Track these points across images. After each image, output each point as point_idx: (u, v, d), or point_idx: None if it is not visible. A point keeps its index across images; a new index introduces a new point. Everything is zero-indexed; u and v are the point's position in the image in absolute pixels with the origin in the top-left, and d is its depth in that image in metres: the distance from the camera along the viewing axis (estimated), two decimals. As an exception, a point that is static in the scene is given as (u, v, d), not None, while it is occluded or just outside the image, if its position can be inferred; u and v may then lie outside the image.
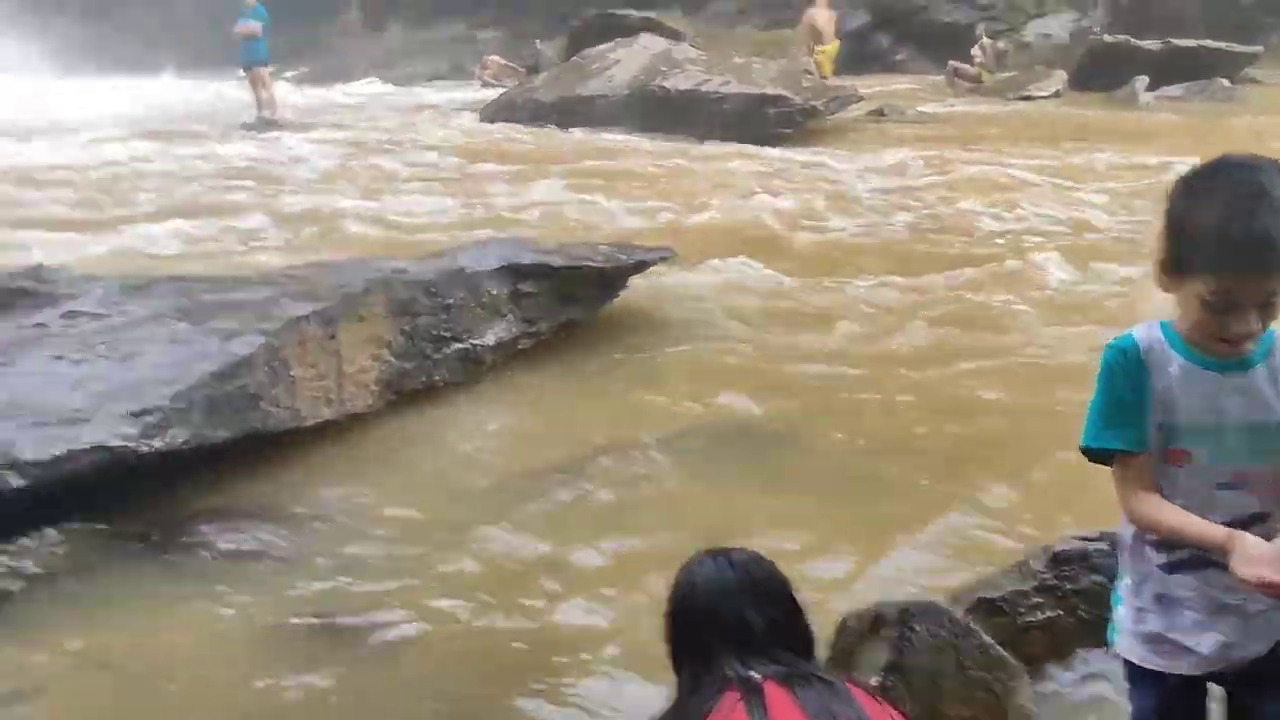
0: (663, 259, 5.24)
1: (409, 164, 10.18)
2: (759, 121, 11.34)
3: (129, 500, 3.39)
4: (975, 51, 16.06)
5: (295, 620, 3.00)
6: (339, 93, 17.91)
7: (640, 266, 5.12)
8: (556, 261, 4.81)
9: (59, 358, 3.50)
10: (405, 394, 4.21)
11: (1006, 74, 15.57)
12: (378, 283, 4.12)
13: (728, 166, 9.59)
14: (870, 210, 7.72)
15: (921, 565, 3.01)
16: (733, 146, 10.70)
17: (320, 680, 2.75)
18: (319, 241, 7.00)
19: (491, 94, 16.72)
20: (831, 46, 15.27)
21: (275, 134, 12.44)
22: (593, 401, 4.45)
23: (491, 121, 13.28)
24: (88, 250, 6.70)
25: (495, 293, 4.57)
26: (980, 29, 16.93)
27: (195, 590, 3.08)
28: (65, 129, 12.82)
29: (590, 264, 4.91)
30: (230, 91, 17.29)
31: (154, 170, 9.98)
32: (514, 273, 4.65)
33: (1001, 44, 16.92)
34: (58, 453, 3.07)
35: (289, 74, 16.06)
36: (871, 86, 14.37)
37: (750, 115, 11.43)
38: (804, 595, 1.89)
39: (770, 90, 11.65)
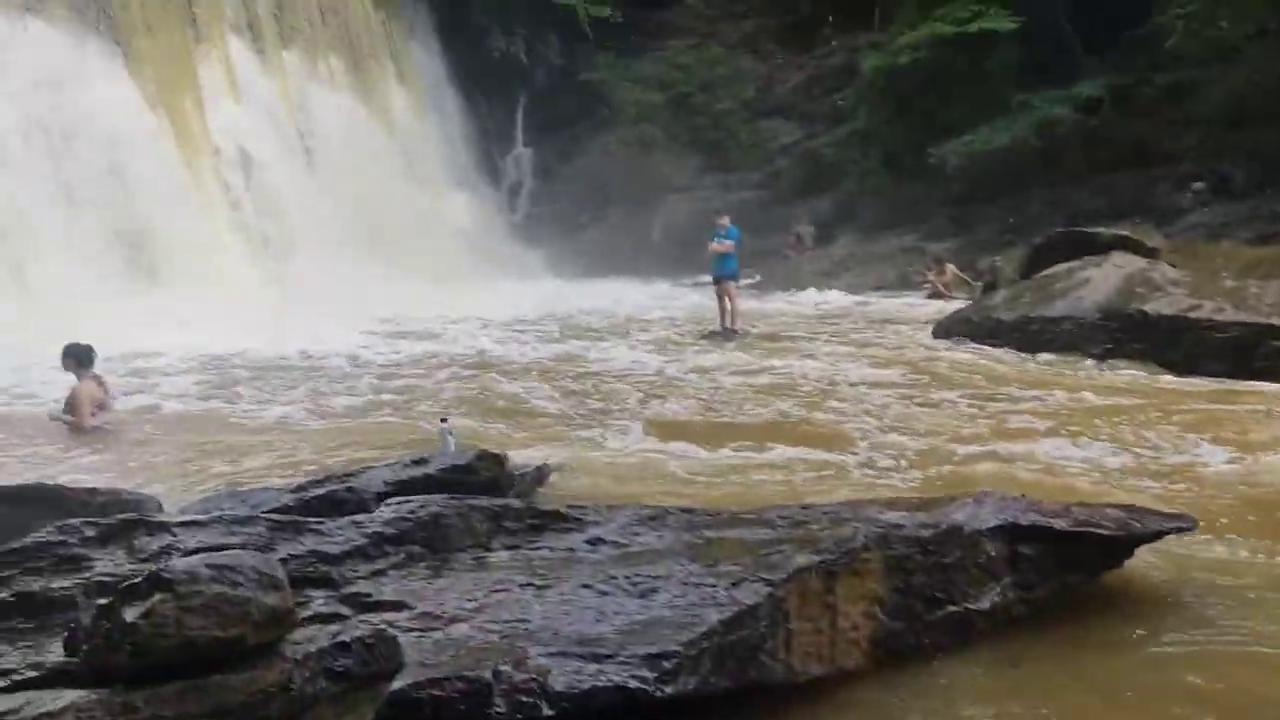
0: (1181, 530, 4.70)
1: (865, 380, 10.27)
2: (1262, 355, 10.16)
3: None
4: None
5: None
6: (787, 301, 18.80)
7: (1155, 536, 4.63)
8: (1060, 525, 4.47)
9: (586, 586, 3.75)
10: (894, 655, 4.05)
11: None
12: (877, 537, 4.05)
13: (1244, 408, 8.59)
14: None
15: None
16: (1236, 383, 9.62)
17: None
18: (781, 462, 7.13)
19: (939, 305, 16.70)
20: None
21: (734, 344, 13.26)
22: (1091, 684, 3.98)
23: (945, 337, 13.15)
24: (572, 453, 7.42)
25: (992, 554, 4.32)
26: None
27: None
28: (560, 329, 14.57)
29: (1098, 530, 4.51)
30: (694, 298, 18.87)
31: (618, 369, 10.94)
32: (1013, 533, 4.39)
33: None
34: (585, 687, 3.25)
35: (745, 282, 17.15)
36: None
37: (1251, 347, 10.29)
38: None
39: (1277, 320, 10.46)
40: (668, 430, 8.14)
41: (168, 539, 3.87)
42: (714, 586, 3.71)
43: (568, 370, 11.57)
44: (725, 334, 14.07)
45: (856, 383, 10.08)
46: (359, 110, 24.35)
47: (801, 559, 3.87)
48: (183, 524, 3.90)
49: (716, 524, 4.38)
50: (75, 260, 16.69)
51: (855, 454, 7.29)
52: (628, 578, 3.81)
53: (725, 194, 24.61)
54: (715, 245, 14.53)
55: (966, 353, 11.89)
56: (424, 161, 25.65)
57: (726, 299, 14.42)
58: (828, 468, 6.93)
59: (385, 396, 10.17)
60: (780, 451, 7.25)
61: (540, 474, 6.57)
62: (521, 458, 6.83)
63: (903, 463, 7.05)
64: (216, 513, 4.04)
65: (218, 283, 17.89)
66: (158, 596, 2.47)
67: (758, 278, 21.20)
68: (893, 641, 4.03)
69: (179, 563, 2.57)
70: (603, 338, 14.36)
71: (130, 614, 2.47)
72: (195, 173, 19.65)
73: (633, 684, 3.29)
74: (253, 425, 8.91)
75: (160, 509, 4.61)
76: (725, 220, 14.79)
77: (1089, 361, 10.98)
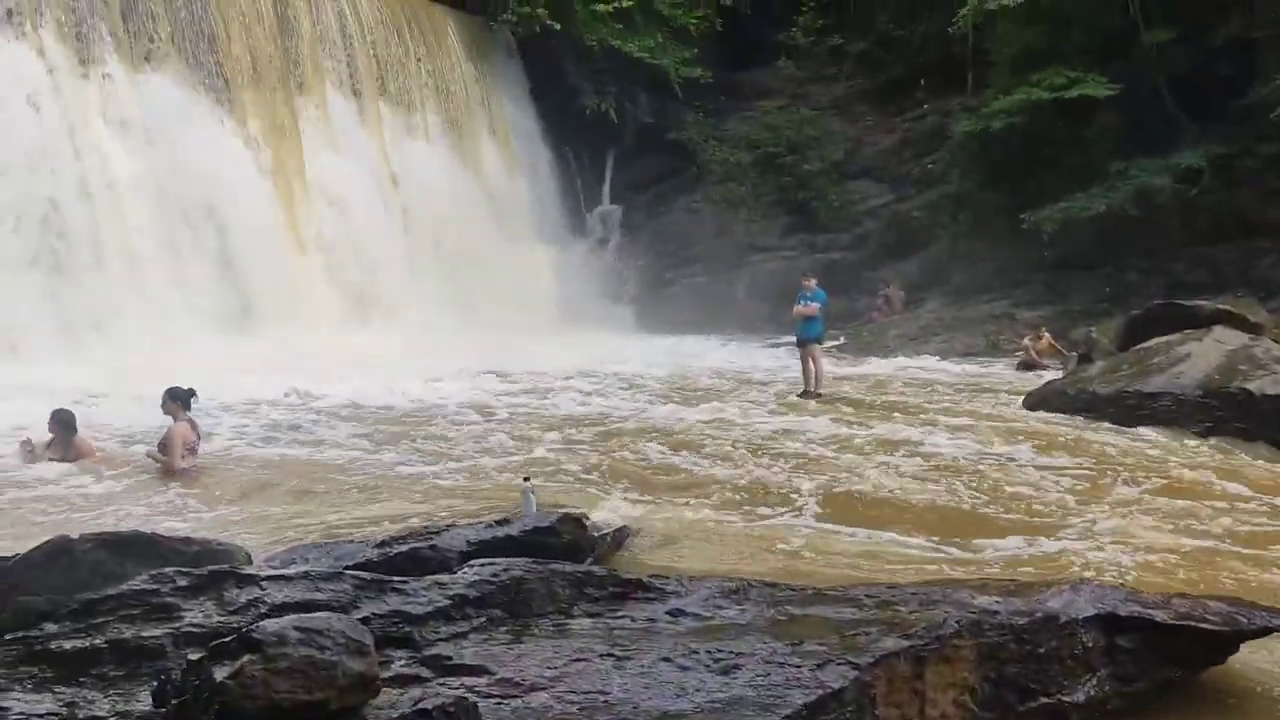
0: (1291, 627, 4.45)
1: (960, 451, 10.04)
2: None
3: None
4: None
5: None
6: (872, 365, 18.54)
7: (1263, 632, 4.40)
8: (1161, 617, 4.28)
9: (666, 659, 3.69)
10: (984, 747, 3.90)
11: None
12: (969, 624, 3.92)
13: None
14: None
15: None
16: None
17: None
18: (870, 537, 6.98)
19: (1029, 376, 16.30)
20: None
21: (817, 405, 13.13)
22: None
23: (1035, 409, 12.80)
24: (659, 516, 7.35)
25: (1089, 645, 4.14)
26: None
27: None
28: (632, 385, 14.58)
29: (1201, 624, 4.30)
30: (778, 359, 18.78)
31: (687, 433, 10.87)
32: (1111, 624, 4.21)
33: None
34: (666, 768, 3.18)
35: (829, 344, 16.98)
36: None
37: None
38: None
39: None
40: (768, 498, 8.05)
41: (255, 592, 3.92)
42: (798, 667, 3.62)
43: (646, 427, 11.56)
44: (809, 396, 13.93)
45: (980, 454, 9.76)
46: (452, 164, 24.93)
47: (890, 642, 3.77)
48: (270, 578, 3.96)
49: (800, 600, 4.29)
50: (177, 303, 17.30)
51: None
52: (709, 652, 3.74)
53: (811, 255, 24.49)
54: (801, 308, 14.45)
55: (1065, 425, 11.55)
56: (514, 216, 26.11)
57: (811, 361, 14.29)
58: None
59: (479, 449, 10.26)
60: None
61: (619, 537, 6.54)
62: (600, 517, 6.81)
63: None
64: (303, 568, 4.08)
65: (313, 329, 18.36)
66: (247, 658, 2.50)
67: (842, 340, 20.98)
68: (983, 733, 3.88)
69: (269, 624, 2.60)
70: (697, 395, 14.33)
71: (220, 673, 2.50)
72: (294, 221, 20.29)
73: (717, 766, 3.22)
74: (344, 473, 9.05)
75: (249, 560, 4.69)
76: (812, 282, 14.72)
77: (1191, 441, 10.57)
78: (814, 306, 14.36)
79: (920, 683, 3.75)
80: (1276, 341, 12.74)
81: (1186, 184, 20.36)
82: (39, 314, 15.51)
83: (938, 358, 19.07)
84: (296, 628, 2.56)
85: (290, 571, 3.92)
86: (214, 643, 2.64)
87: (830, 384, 14.75)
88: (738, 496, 8.13)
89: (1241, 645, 4.48)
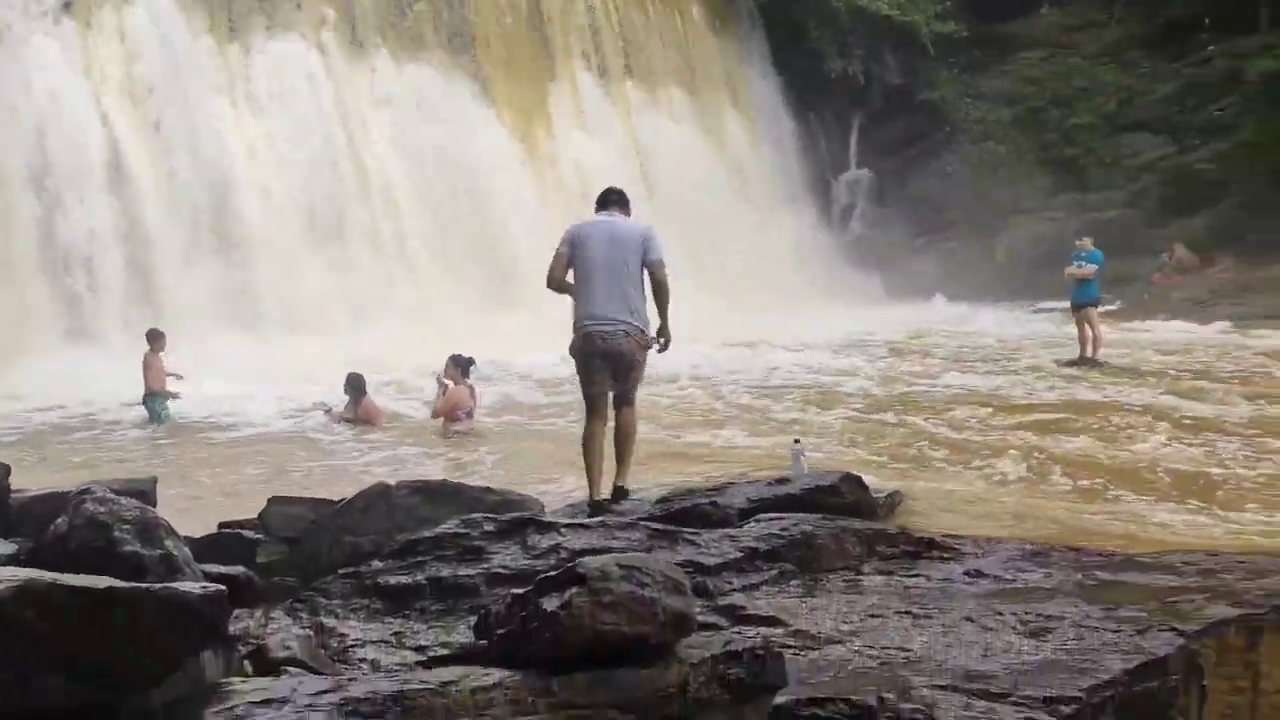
0: None
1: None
2: None
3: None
4: None
5: None
6: (1157, 331, 17.16)
7: None
8: None
9: (969, 619, 3.57)
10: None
11: None
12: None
13: None
14: None
15: None
16: None
17: None
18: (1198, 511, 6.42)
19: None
20: None
21: (1095, 375, 12.31)
22: None
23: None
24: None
25: None
26: None
27: None
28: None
29: None
30: (1044, 324, 17.76)
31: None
32: None
33: None
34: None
35: (1105, 309, 15.89)
36: None
37: None
38: None
39: None
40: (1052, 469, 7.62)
41: (556, 539, 4.10)
42: (1115, 632, 3.41)
43: (914, 393, 11.23)
44: (1087, 363, 13.08)
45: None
46: (696, 138, 25.11)
47: (1219, 610, 3.47)
48: (569, 525, 4.13)
49: (1109, 566, 4.04)
50: (442, 279, 18.41)
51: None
52: (1014, 614, 3.58)
53: (1081, 214, 22.90)
54: (1075, 269, 13.57)
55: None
56: (757, 187, 26.00)
57: (1087, 325, 13.40)
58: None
59: (743, 415, 10.32)
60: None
61: (892, 501, 6.38)
62: (871, 482, 6.65)
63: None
64: (599, 518, 4.23)
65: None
66: (574, 590, 2.60)
67: (1119, 304, 19.55)
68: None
69: (592, 560, 2.69)
70: (963, 364, 13.81)
71: (549, 604, 2.61)
72: (547, 198, 21.09)
73: (1028, 728, 3.07)
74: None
75: (544, 510, 4.91)
76: (1087, 242, 13.79)
77: None
78: (1090, 268, 13.45)
79: (1254, 654, 3.44)
80: None
81: None
82: (326, 293, 16.91)
83: (1229, 323, 17.39)
84: (619, 564, 2.64)
85: (588, 521, 4.07)
86: (540, 577, 2.76)
87: (1112, 352, 13.80)
88: (1016, 470, 7.71)
89: None
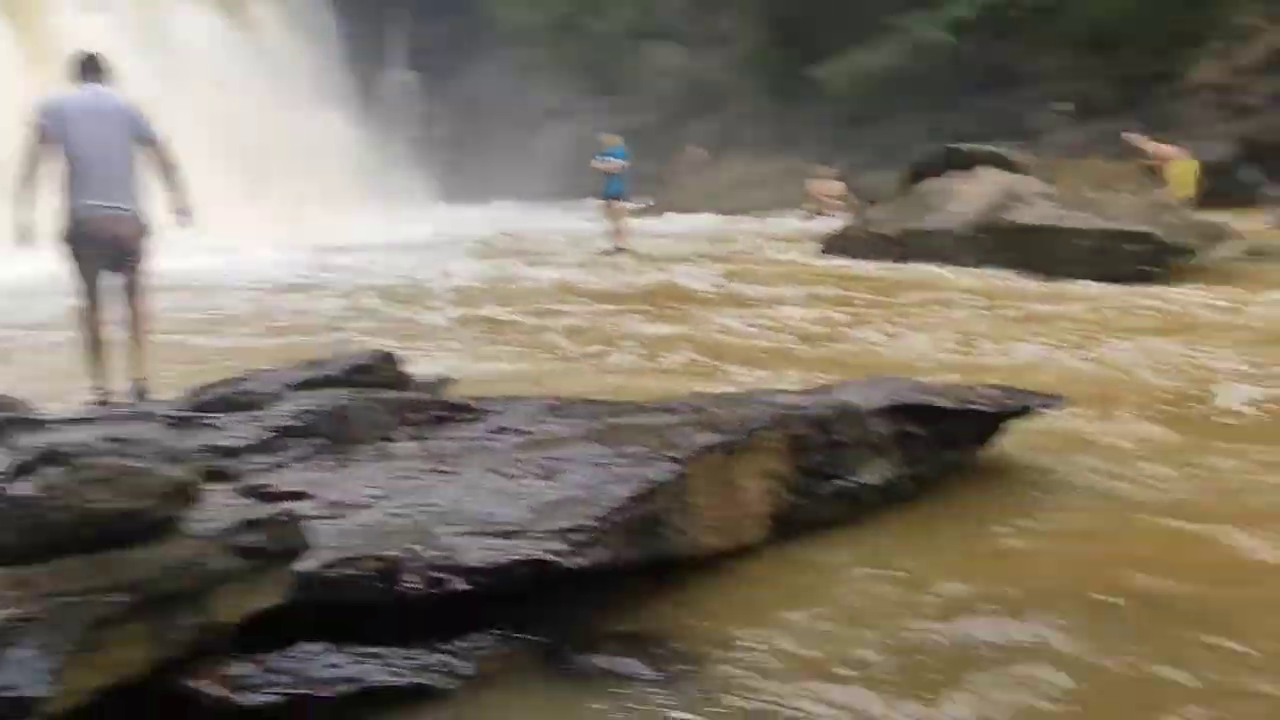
0: (1049, 406, 4.97)
1: (762, 293, 10.45)
2: (1121, 259, 10.73)
3: (543, 615, 3.56)
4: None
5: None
6: (672, 223, 18.85)
7: (1024, 412, 4.89)
8: (943, 403, 4.68)
9: (493, 470, 3.77)
10: (790, 528, 4.20)
11: None
12: (776, 418, 4.18)
13: (1098, 307, 9.09)
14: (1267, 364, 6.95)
15: None
16: (1097, 286, 10.16)
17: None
18: (695, 366, 7.23)
19: (822, 225, 17.02)
20: (1187, 166, 14.21)
21: (624, 261, 13.32)
22: (972, 549, 4.22)
23: (832, 253, 13.44)
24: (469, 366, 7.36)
25: (881, 432, 4.50)
26: None
27: (615, 713, 3.15)
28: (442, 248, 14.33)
29: (977, 407, 4.74)
30: (576, 223, 18.81)
31: (527, 289, 10.88)
32: (900, 412, 4.57)
33: None
34: (498, 561, 3.29)
35: (636, 206, 17.12)
36: (1240, 223, 13.23)
37: (1111, 252, 10.86)
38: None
39: (1132, 227, 11.02)
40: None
41: (50, 437, 3.71)
42: (621, 466, 3.78)
43: (460, 286, 11.42)
44: (620, 253, 14.08)
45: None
46: (221, 24, 23.15)
47: (704, 438, 3.97)
48: (65, 420, 3.75)
49: (622, 412, 4.44)
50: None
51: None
52: (534, 461, 3.85)
53: (610, 118, 24.34)
54: (601, 164, 14.45)
55: (848, 264, 12.20)
56: (297, 82, 24.64)
57: (617, 218, 14.40)
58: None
59: (288, 318, 9.88)
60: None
61: (437, 382, 6.51)
62: (418, 370, 6.74)
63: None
64: (104, 411, 3.89)
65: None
66: (52, 470, 2.38)
67: (650, 201, 21.19)
68: (790, 516, 4.18)
69: (72, 436, 2.48)
70: (513, 255, 14.18)
71: (22, 489, 2.38)
72: (40, 84, 18.41)
73: (546, 556, 3.34)
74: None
75: (34, 410, 4.40)
76: (612, 139, 14.70)
77: (965, 271, 11.39)
78: (614, 163, 14.39)
79: (732, 473, 3.99)
80: (1038, 180, 13.74)
81: (958, 36, 21.32)
82: None
83: (739, 214, 19.58)
84: (104, 438, 2.46)
85: (89, 414, 3.73)
86: (9, 464, 2.50)
87: (642, 242, 14.92)
88: (558, 348, 8.18)
89: (1011, 426, 4.96)
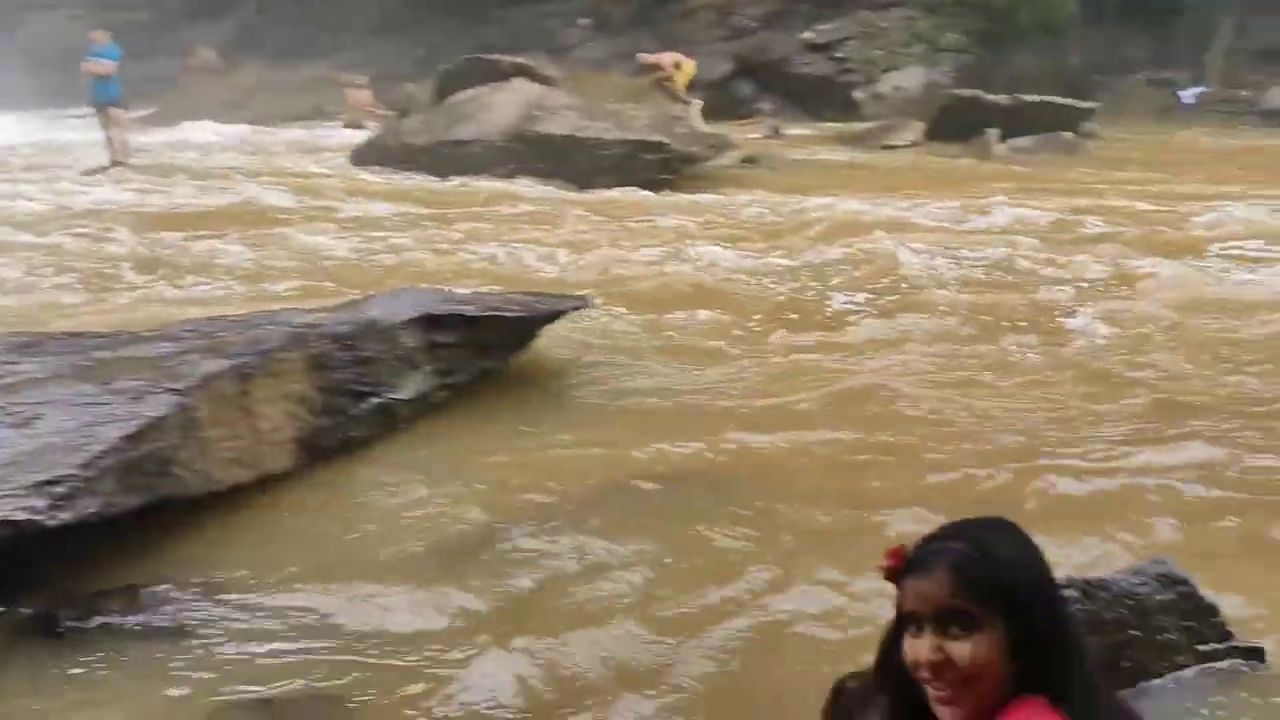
0: (577, 308, 5.18)
1: (281, 209, 9.84)
2: (640, 167, 11.45)
3: (33, 578, 3.11)
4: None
5: (230, 699, 2.80)
6: (190, 132, 17.20)
7: (555, 315, 5.05)
8: (471, 311, 4.69)
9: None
10: (322, 452, 4.01)
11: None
12: (292, 337, 3.93)
13: (623, 212, 9.66)
14: (764, 255, 7.79)
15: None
16: (619, 192, 10.78)
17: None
18: (199, 289, 6.65)
19: (356, 136, 16.39)
20: (689, 66, 15.41)
21: (129, 176, 11.90)
22: (509, 454, 4.31)
23: (362, 165, 12.99)
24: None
25: (411, 344, 4.41)
26: None
27: (119, 676, 2.83)
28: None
29: (506, 313, 4.81)
30: (78, 133, 16.47)
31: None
32: (429, 323, 4.51)
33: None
34: (-43, 528, 2.79)
35: (138, 114, 15.31)
36: (738, 134, 14.69)
37: (631, 161, 11.54)
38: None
39: (650, 137, 11.78)
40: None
41: None
42: (110, 404, 3.35)
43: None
44: (116, 166, 12.49)
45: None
46: None
47: (211, 365, 3.64)
48: None
49: (111, 344, 3.95)
50: None
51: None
52: (3, 407, 3.30)
53: (100, 13, 21.38)
54: (92, 65, 12.66)
55: (385, 178, 11.91)
56: None
57: (113, 127, 12.74)
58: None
59: None
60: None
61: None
62: None
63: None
64: None
65: None
66: None
67: (154, 109, 19.04)
68: (321, 439, 3.99)
69: None
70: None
71: None
72: None
73: (21, 515, 2.90)
74: None
75: None
76: (102, 36, 12.91)
77: (498, 182, 11.54)
78: (106, 64, 12.65)
79: (248, 399, 3.71)
80: (566, 92, 14.22)
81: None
82: None
83: (261, 124, 18.25)
84: None
85: None
86: None
87: (147, 155, 13.41)
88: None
89: (543, 330, 5.10)
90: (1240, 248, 7.75)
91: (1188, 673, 2.46)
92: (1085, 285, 6.75)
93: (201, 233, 8.40)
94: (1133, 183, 11.35)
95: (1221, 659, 2.48)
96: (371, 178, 12.02)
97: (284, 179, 11.84)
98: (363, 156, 13.29)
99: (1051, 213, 9.18)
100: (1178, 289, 6.55)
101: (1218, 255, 7.56)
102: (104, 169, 12.39)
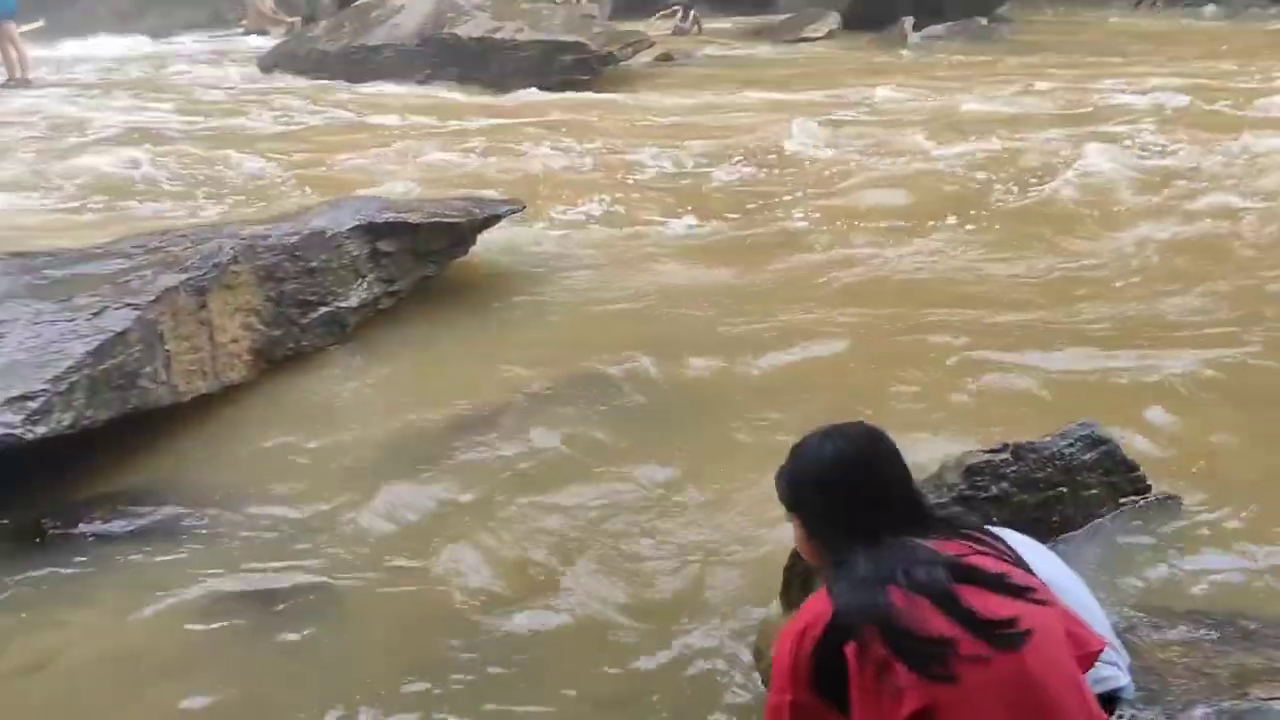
0: (514, 211, 5.28)
1: (193, 120, 9.62)
2: (558, 69, 11.37)
3: (13, 494, 3.21)
4: None
5: (215, 596, 2.97)
6: (85, 46, 16.43)
7: (492, 220, 5.15)
8: (414, 218, 4.77)
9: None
10: (278, 362, 4.13)
11: None
12: (244, 249, 4.00)
13: (542, 114, 9.61)
14: (695, 153, 7.83)
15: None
16: (537, 94, 10.70)
17: (258, 651, 2.74)
18: (129, 208, 6.57)
19: (260, 43, 15.85)
20: None
21: (32, 93, 11.45)
22: (455, 358, 4.47)
23: (270, 72, 12.65)
24: None
25: (356, 253, 4.50)
26: None
27: (109, 579, 2.98)
28: None
29: (447, 219, 4.90)
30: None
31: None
32: (372, 232, 4.59)
33: None
34: (-61, 446, 2.88)
35: (26, 28, 14.58)
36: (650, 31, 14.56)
37: (548, 62, 11.44)
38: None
39: (566, 37, 11.68)
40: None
41: None
42: (72, 320, 3.43)
43: None
44: (18, 84, 11.97)
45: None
46: None
47: (168, 279, 3.71)
48: None
49: (62, 262, 3.98)
50: None
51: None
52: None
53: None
54: (-23, -24, 12.03)
55: (301, 85, 11.66)
56: None
57: (10, 44, 12.17)
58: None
59: None
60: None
61: None
62: None
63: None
64: None
65: None
66: None
67: (42, 22, 18.03)
68: (274, 349, 4.10)
69: None
70: None
71: None
72: None
73: (-1, 432, 2.99)
74: None
75: None
76: (-14, -56, 12.24)
77: (411, 87, 11.37)
78: (-7, -27, 12.04)
79: (206, 313, 3.80)
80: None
81: None
82: None
83: (157, 36, 17.47)
84: None
85: None
86: None
87: (51, 70, 12.87)
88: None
89: (481, 234, 5.20)
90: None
91: (1104, 520, 2.74)
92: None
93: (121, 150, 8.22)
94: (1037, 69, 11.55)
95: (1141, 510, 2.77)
96: (281, 86, 11.71)
97: (186, 89, 11.52)
98: (270, 64, 12.92)
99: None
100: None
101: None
102: (2, 85, 11.89)
